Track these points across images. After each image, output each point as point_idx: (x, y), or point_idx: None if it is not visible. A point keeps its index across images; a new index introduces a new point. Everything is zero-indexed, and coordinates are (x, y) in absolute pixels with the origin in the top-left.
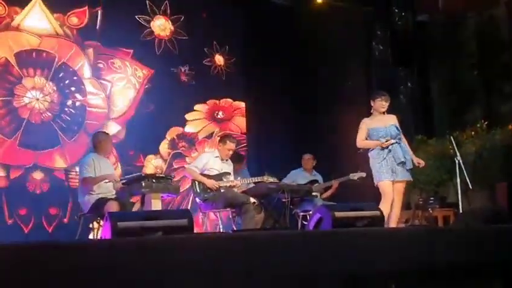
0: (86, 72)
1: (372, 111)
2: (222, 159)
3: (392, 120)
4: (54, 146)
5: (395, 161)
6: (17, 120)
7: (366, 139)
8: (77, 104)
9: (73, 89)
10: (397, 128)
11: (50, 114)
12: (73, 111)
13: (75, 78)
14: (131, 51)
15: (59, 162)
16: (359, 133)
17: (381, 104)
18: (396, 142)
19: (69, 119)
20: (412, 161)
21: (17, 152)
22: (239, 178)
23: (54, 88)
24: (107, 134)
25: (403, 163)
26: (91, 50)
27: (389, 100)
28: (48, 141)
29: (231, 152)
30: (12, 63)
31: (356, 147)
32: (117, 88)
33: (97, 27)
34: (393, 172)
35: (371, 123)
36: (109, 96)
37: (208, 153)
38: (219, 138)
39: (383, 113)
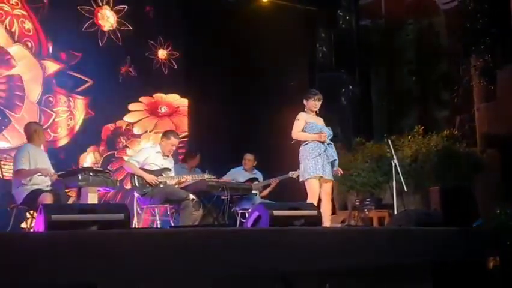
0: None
1: (306, 110)
2: (163, 155)
3: (322, 121)
4: (6, 124)
5: (328, 159)
6: None
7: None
8: (11, 75)
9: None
10: (330, 129)
11: None
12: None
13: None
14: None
15: (18, 140)
16: (297, 125)
17: (314, 103)
18: (331, 142)
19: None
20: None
21: None
22: (185, 175)
23: None
24: (40, 124)
25: (334, 162)
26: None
27: (321, 100)
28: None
29: (174, 148)
30: None
31: (294, 143)
32: (60, 119)
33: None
34: (324, 169)
35: (308, 118)
36: (52, 125)
37: (150, 148)
38: (162, 133)
39: (315, 113)
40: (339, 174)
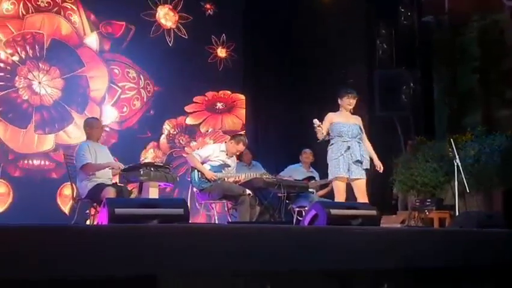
0: (76, 40)
1: (340, 108)
2: (226, 154)
3: (356, 120)
4: (69, 122)
5: (352, 159)
6: (29, 108)
7: (328, 133)
8: (78, 74)
9: (68, 60)
10: (360, 128)
11: (57, 92)
12: (75, 83)
13: (67, 50)
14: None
15: (78, 137)
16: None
17: (348, 101)
18: (356, 142)
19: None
20: (372, 162)
21: (35, 138)
22: (245, 173)
23: (50, 66)
24: (97, 119)
25: (359, 162)
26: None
27: (356, 98)
28: (64, 119)
29: (237, 153)
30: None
31: None
32: (126, 96)
33: None
34: (349, 170)
35: (334, 118)
36: (117, 102)
37: (215, 145)
38: (231, 135)
39: (350, 111)
40: (380, 170)
